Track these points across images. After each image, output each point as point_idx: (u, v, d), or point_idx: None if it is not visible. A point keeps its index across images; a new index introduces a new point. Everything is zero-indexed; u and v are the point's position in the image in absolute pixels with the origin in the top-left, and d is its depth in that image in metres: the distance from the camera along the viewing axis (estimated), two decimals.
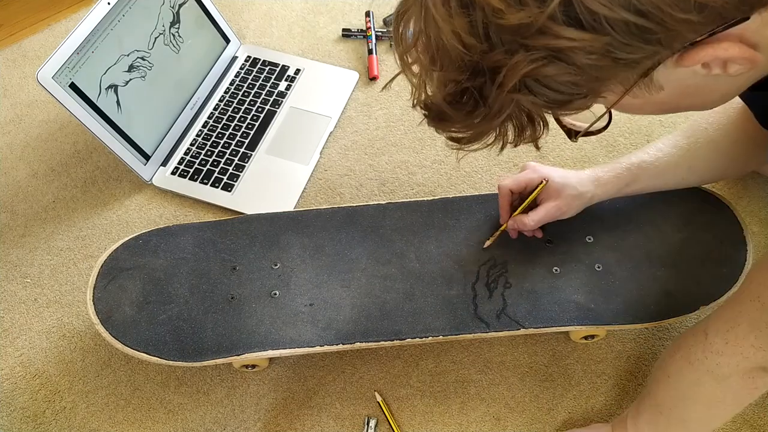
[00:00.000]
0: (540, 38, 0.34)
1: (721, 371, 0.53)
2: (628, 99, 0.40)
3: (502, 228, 0.73)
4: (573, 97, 0.37)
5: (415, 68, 0.41)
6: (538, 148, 0.44)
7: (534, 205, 0.70)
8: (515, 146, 0.43)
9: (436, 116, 0.42)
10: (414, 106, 0.43)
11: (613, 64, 0.35)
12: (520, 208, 0.71)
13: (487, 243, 0.73)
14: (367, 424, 0.72)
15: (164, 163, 0.93)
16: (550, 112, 0.41)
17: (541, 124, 0.42)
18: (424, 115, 0.43)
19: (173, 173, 0.92)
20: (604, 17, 0.32)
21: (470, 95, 0.38)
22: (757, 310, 0.49)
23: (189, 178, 0.91)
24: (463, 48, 0.35)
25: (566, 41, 0.33)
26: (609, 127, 0.46)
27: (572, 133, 0.49)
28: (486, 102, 0.38)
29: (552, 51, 0.34)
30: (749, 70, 0.37)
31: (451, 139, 0.43)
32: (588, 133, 0.48)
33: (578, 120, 0.48)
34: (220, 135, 0.95)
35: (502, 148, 0.43)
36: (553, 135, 0.93)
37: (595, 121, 0.46)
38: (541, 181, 0.68)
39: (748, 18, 0.34)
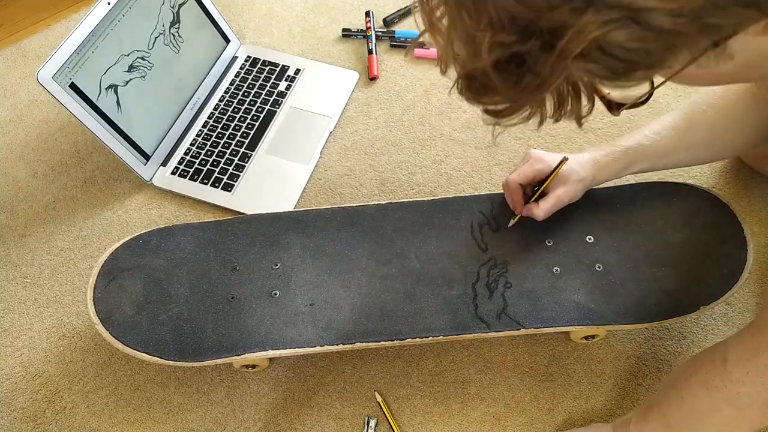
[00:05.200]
0: None
1: (741, 401, 0.51)
2: (691, 69, 0.35)
3: (518, 217, 0.73)
4: (637, 66, 0.32)
5: (444, 23, 0.34)
6: (580, 125, 0.38)
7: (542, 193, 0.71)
8: (555, 121, 0.38)
9: (479, 87, 0.35)
10: (443, 73, 0.36)
11: (698, 30, 0.30)
12: (531, 199, 0.71)
13: (511, 223, 0.74)
14: (367, 424, 0.72)
15: (164, 163, 0.93)
16: (603, 82, 0.35)
17: (587, 96, 0.36)
18: (463, 87, 0.36)
19: (173, 173, 0.92)
20: None
21: (518, 62, 0.32)
22: None
23: (189, 178, 0.91)
24: (518, 4, 0.30)
25: (656, 1, 0.28)
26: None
27: (613, 106, 0.42)
28: (536, 70, 0.32)
29: (631, 11, 0.28)
30: None
31: (488, 112, 0.38)
32: (633, 106, 0.42)
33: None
34: (220, 135, 0.95)
35: (540, 123, 0.37)
36: (552, 135, 0.93)
37: (644, 95, 0.40)
38: (561, 160, 0.68)
39: None
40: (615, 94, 0.42)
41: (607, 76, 0.33)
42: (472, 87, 0.36)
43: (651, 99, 0.42)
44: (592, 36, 0.29)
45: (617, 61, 0.31)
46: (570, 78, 0.34)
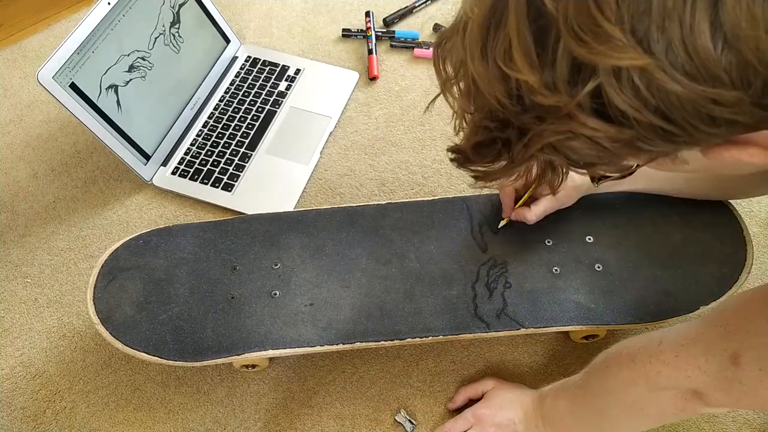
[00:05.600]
0: (567, 122, 0.33)
1: (659, 380, 0.52)
2: (655, 165, 0.40)
3: (507, 220, 0.74)
4: (595, 164, 0.37)
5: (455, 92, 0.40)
6: (554, 192, 0.45)
7: (534, 197, 0.72)
8: (536, 187, 0.44)
9: (463, 159, 0.42)
10: (456, 132, 0.42)
11: (636, 150, 0.35)
12: (521, 200, 0.72)
13: (501, 225, 0.75)
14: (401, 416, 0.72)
15: (164, 163, 0.93)
16: (573, 171, 0.41)
17: (562, 173, 0.43)
18: (451, 158, 0.43)
19: (173, 173, 0.92)
20: (631, 116, 0.32)
21: (497, 145, 0.38)
22: (719, 336, 0.48)
23: (189, 178, 0.91)
24: (498, 104, 0.35)
25: (591, 130, 0.33)
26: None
27: (595, 179, 0.51)
28: (510, 154, 0.38)
29: (577, 132, 0.34)
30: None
31: (476, 177, 0.43)
32: (611, 179, 0.49)
33: None
34: (220, 135, 0.95)
35: (525, 186, 0.43)
36: None
37: (620, 174, 0.46)
38: None
39: None
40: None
41: (570, 166, 0.38)
42: (456, 159, 0.42)
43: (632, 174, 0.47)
44: (547, 141, 0.35)
45: (577, 156, 0.36)
46: (549, 164, 0.40)
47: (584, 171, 0.40)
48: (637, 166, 0.43)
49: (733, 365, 0.46)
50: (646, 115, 0.31)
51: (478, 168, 0.42)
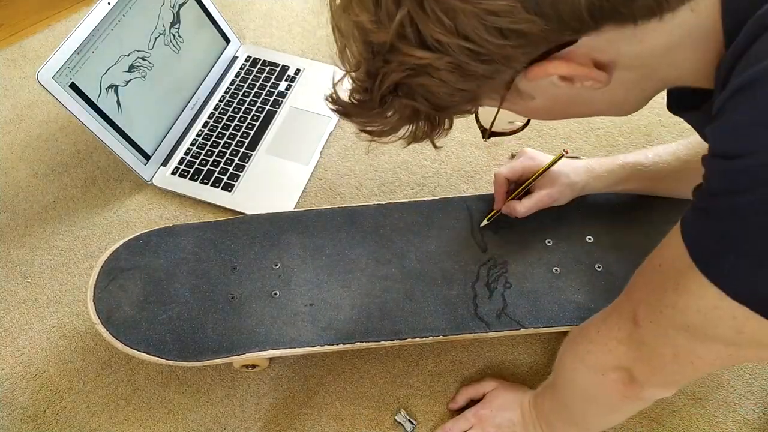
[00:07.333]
0: (396, 55, 0.37)
1: (589, 360, 0.52)
2: (510, 105, 0.43)
3: (496, 212, 0.74)
4: (452, 103, 0.40)
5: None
6: (435, 147, 0.46)
7: (528, 191, 0.72)
8: (417, 142, 0.46)
9: (341, 111, 0.45)
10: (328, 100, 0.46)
11: (466, 79, 0.37)
12: (515, 192, 0.72)
13: (484, 222, 0.75)
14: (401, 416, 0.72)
15: (164, 163, 0.93)
16: (439, 115, 0.43)
17: (437, 123, 0.45)
18: (332, 109, 0.46)
19: (173, 173, 0.92)
20: (441, 40, 0.35)
21: (366, 94, 0.42)
22: (624, 303, 0.49)
23: (189, 178, 0.91)
24: (360, 56, 0.39)
25: (416, 59, 0.36)
26: (528, 128, 0.49)
27: (484, 132, 0.53)
28: (377, 102, 0.41)
29: (419, 66, 0.37)
30: (602, 87, 0.38)
31: (362, 131, 0.46)
32: (497, 134, 0.51)
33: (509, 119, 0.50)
34: (220, 135, 0.95)
35: (408, 143, 0.46)
36: (552, 135, 0.93)
37: (493, 121, 0.49)
38: (555, 157, 0.69)
39: (575, 41, 0.36)
40: (484, 122, 0.51)
41: (435, 110, 0.41)
42: (338, 110, 0.45)
43: (523, 130, 0.51)
44: (395, 80, 0.38)
45: (434, 98, 0.39)
46: (417, 110, 0.41)
47: (448, 115, 0.43)
48: (523, 126, 0.46)
49: (635, 325, 0.47)
50: (451, 38, 0.35)
51: (357, 122, 0.45)
